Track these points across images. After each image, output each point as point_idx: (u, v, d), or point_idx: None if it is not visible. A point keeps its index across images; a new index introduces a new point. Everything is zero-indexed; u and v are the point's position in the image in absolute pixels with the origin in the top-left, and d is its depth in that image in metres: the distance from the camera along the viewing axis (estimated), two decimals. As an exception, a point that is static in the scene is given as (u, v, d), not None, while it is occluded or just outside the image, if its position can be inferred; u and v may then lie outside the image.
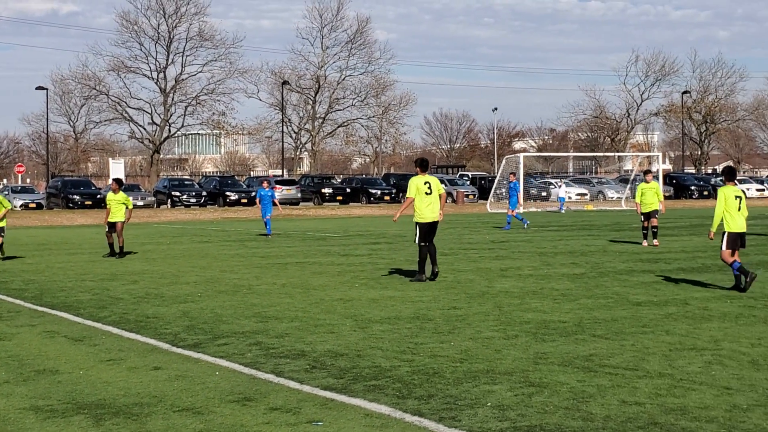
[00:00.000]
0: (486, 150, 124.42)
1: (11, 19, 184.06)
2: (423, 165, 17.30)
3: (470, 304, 13.78)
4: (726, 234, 14.74)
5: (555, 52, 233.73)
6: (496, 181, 58.32)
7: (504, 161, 59.67)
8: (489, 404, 7.83)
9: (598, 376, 8.77)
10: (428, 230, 16.81)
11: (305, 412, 7.76)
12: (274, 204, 31.50)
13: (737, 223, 14.73)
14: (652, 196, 24.53)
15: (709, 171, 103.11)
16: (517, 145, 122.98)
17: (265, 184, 32.81)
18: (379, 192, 68.17)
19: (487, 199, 58.58)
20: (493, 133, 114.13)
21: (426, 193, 16.77)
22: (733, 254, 14.72)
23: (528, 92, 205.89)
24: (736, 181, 15.25)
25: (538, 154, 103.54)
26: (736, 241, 14.75)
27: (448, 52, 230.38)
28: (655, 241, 24.44)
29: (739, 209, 14.77)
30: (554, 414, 7.48)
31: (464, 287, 15.92)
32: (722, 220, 14.83)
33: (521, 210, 35.27)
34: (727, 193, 14.79)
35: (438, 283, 16.62)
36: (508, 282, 16.59)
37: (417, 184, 16.86)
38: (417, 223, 16.89)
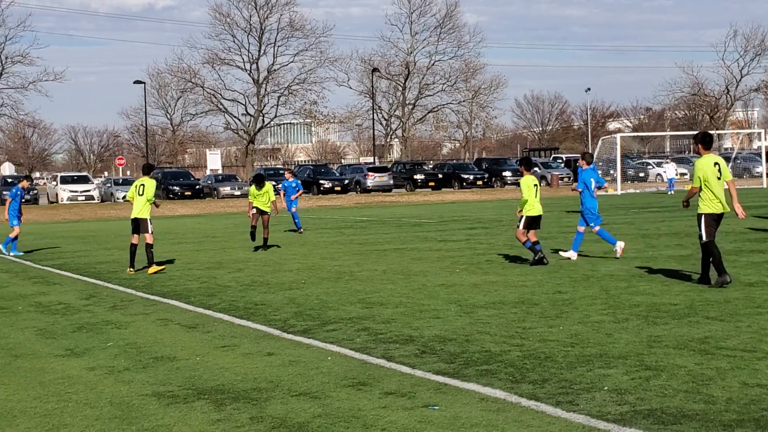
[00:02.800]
0: (579, 131, 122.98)
1: (109, 15, 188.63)
2: (708, 141, 13.53)
3: (575, 288, 13.65)
4: (524, 217, 16.90)
5: (650, 29, 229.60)
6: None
7: (600, 142, 58.90)
8: (606, 388, 7.76)
9: (716, 359, 8.61)
10: (718, 224, 13.46)
11: (420, 396, 7.80)
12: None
13: (535, 208, 16.94)
14: None
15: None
16: (612, 125, 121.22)
17: (288, 175, 29.97)
18: (471, 177, 67.92)
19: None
20: (587, 114, 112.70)
21: (717, 178, 13.33)
22: (526, 234, 16.95)
23: (622, 71, 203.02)
24: (532, 172, 17.17)
25: (634, 134, 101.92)
26: (533, 223, 17.00)
27: (539, 33, 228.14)
28: None
29: (536, 195, 16.99)
30: (674, 397, 7.37)
31: (567, 271, 15.77)
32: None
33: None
34: (528, 182, 16.96)
35: (540, 267, 16.50)
36: (613, 265, 16.38)
37: (705, 166, 13.32)
38: (703, 214, 13.36)
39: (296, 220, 28.32)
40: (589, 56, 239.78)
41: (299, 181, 30.08)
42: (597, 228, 17.64)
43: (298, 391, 8.11)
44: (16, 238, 23.66)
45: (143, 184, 18.32)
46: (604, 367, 8.49)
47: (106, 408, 7.79)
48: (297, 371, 8.88)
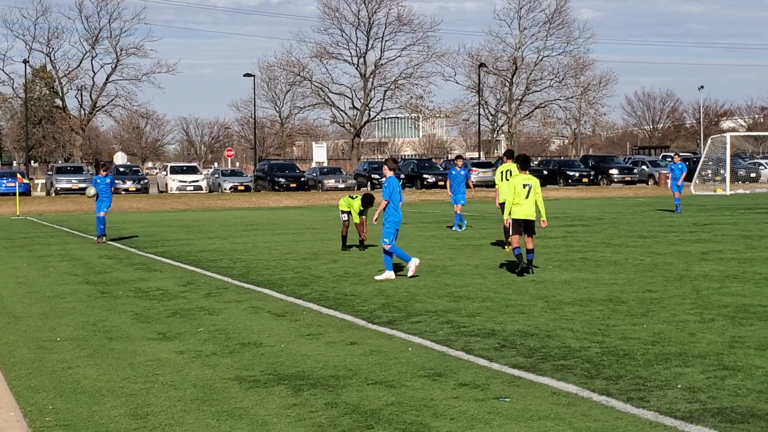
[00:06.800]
0: (691, 130, 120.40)
1: (227, 9, 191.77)
2: None
3: (666, 288, 13.53)
4: (512, 220, 15.62)
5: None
6: (701, 162, 56.40)
7: (709, 141, 57.62)
8: (679, 386, 7.76)
9: (797, 362, 8.50)
10: None
11: (493, 388, 7.92)
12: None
13: (523, 210, 15.47)
14: None
15: None
16: (725, 124, 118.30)
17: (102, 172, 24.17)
18: (577, 174, 67.12)
19: (692, 180, 56.69)
20: (699, 112, 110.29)
21: None
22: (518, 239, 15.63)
23: (738, 69, 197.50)
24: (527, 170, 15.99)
25: (747, 133, 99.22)
26: (520, 226, 15.54)
27: (656, 29, 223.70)
28: None
29: (527, 197, 15.48)
30: (746, 397, 7.34)
31: (661, 270, 15.61)
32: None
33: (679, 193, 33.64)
34: (516, 182, 15.64)
35: (634, 265, 16.37)
36: (708, 265, 16.15)
37: None
38: None
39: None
40: (704, 54, 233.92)
41: (113, 177, 25.68)
42: (389, 246, 15.31)
43: (374, 379, 8.32)
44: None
45: (509, 170, 18.46)
46: (681, 366, 8.47)
47: (189, 390, 8.13)
48: (376, 361, 9.09)
